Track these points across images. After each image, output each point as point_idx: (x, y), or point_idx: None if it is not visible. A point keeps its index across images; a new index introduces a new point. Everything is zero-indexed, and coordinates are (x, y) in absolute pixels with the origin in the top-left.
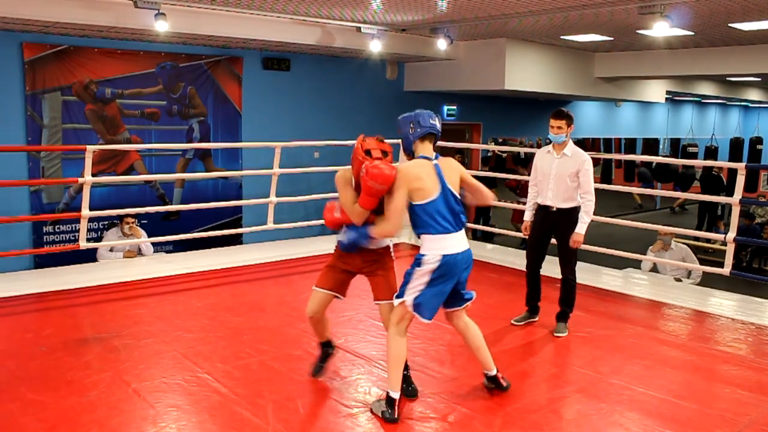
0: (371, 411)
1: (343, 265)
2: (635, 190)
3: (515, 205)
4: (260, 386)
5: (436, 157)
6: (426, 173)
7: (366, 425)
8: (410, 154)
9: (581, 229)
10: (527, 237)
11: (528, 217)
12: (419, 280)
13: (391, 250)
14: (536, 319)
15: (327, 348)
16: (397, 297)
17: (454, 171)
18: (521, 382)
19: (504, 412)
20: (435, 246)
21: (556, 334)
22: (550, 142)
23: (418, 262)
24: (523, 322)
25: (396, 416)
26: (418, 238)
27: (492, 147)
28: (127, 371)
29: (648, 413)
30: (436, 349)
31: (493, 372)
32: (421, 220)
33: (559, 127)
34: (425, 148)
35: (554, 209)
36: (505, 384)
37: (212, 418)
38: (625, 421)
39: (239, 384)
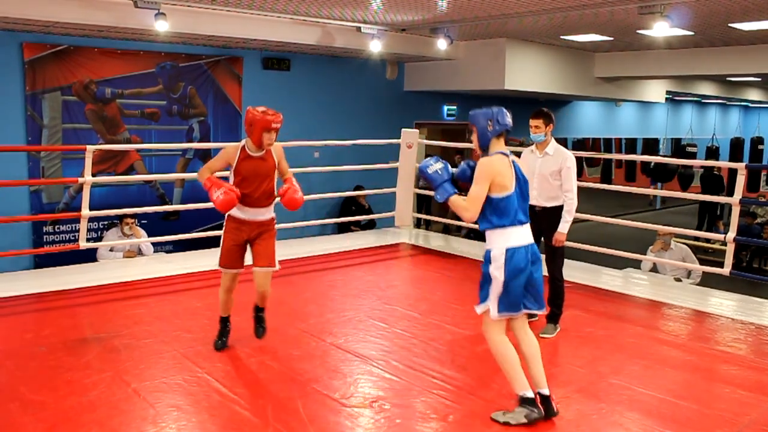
0: (506, 424)
1: (238, 239)
2: (635, 189)
3: None
4: (260, 386)
5: (510, 154)
6: (505, 168)
7: (366, 425)
8: (485, 150)
9: (563, 228)
10: None
11: None
12: (496, 283)
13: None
14: (536, 318)
15: (227, 323)
16: (483, 311)
17: (524, 167)
18: None
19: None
20: (504, 239)
21: (542, 335)
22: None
23: (487, 259)
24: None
25: (541, 413)
26: (481, 231)
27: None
28: (127, 371)
29: (648, 413)
30: (436, 349)
31: (546, 392)
32: (496, 213)
33: (537, 127)
34: (500, 144)
35: (539, 209)
36: (555, 410)
37: (212, 418)
38: (625, 421)
39: (239, 384)
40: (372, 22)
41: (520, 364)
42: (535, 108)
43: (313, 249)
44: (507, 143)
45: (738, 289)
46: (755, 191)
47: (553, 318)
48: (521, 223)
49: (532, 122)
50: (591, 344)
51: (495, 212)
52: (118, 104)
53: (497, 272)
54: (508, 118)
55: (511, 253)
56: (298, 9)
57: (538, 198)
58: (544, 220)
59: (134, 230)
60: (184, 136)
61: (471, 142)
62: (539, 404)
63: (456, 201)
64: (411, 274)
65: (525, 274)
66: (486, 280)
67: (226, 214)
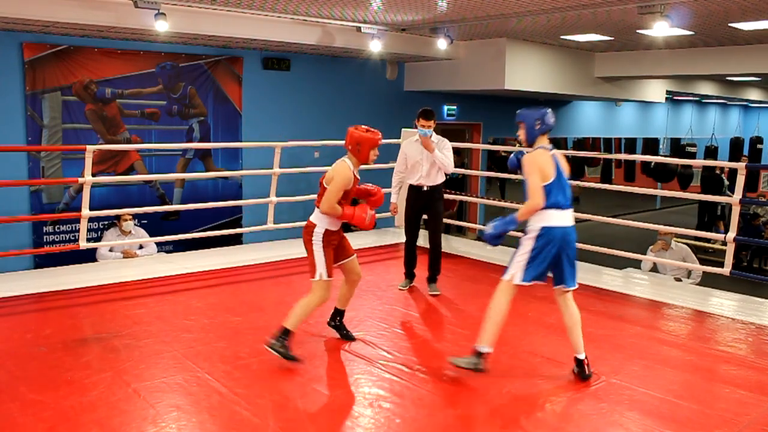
0: (455, 365)
1: (332, 247)
2: (635, 189)
3: (516, 205)
4: (260, 386)
5: (551, 149)
6: (547, 160)
7: (366, 425)
8: (531, 144)
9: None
10: (395, 215)
11: (394, 198)
12: (523, 249)
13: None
14: (413, 283)
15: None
16: (504, 276)
17: (564, 160)
18: (522, 382)
19: (504, 412)
20: (540, 219)
21: (432, 293)
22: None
23: (525, 231)
24: (407, 287)
25: (483, 367)
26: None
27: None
28: (127, 371)
29: (648, 413)
30: (436, 349)
31: (581, 356)
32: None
33: (429, 126)
34: (544, 140)
35: (425, 188)
36: (587, 372)
37: (212, 418)
38: (625, 421)
39: (239, 384)
40: (372, 22)
41: (501, 326)
42: (423, 108)
43: None
44: (507, 143)
45: (738, 289)
46: (754, 191)
47: (435, 279)
48: (559, 207)
49: (425, 123)
50: (591, 344)
51: None
52: (118, 104)
53: (527, 246)
54: (553, 120)
55: (545, 230)
56: (298, 9)
57: (426, 179)
58: (429, 197)
59: (136, 231)
60: (184, 136)
61: (518, 137)
62: (575, 367)
63: (521, 210)
64: None
65: (553, 252)
66: (513, 257)
67: (324, 228)
